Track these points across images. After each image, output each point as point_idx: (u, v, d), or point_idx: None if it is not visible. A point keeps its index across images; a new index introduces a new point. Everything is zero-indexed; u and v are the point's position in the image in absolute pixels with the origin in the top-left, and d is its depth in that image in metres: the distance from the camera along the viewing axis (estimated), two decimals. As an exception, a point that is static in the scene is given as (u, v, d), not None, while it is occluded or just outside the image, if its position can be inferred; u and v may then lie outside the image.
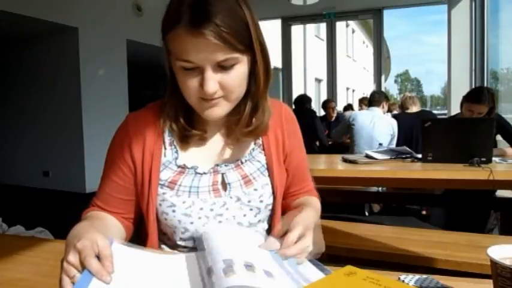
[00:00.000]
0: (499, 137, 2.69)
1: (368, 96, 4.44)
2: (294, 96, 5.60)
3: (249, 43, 0.70)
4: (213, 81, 0.69)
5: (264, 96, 0.81)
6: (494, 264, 0.51)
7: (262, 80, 0.77)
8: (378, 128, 3.57)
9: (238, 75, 0.71)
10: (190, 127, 0.80)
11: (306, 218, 0.71)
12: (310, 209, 0.78)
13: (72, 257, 0.58)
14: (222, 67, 0.69)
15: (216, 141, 0.85)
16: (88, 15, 5.14)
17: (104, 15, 5.37)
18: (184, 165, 0.80)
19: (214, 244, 0.63)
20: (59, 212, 4.51)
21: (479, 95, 2.54)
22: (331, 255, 1.69)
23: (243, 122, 0.80)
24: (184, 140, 0.81)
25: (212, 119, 0.76)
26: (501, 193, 2.59)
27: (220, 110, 0.74)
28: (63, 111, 5.35)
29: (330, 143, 4.93)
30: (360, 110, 5.55)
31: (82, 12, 5.06)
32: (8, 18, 4.47)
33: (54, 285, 0.63)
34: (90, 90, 5.25)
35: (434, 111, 9.49)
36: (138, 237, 0.87)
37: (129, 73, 5.94)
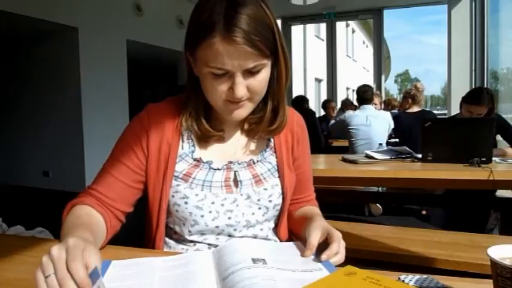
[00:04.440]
0: (498, 137, 2.69)
1: (347, 97, 4.28)
2: (294, 96, 5.59)
3: (273, 48, 0.74)
4: (242, 85, 0.73)
5: (284, 96, 0.85)
6: (494, 264, 0.51)
7: (284, 83, 0.82)
8: (374, 128, 3.54)
9: (263, 79, 0.76)
10: (210, 127, 0.83)
11: (327, 226, 0.76)
12: (321, 217, 0.83)
13: (57, 252, 0.52)
14: (250, 72, 0.73)
15: (232, 140, 0.88)
16: (88, 15, 5.13)
17: (104, 15, 5.37)
18: (200, 158, 0.83)
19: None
20: (59, 212, 4.49)
21: (479, 96, 2.54)
22: (331, 255, 1.69)
23: (265, 121, 0.85)
24: (203, 139, 0.85)
25: (237, 120, 0.81)
26: (501, 193, 2.59)
27: (244, 111, 0.79)
28: (63, 110, 5.34)
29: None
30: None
31: (82, 12, 5.06)
32: (8, 18, 4.46)
33: (54, 285, 0.63)
34: (90, 90, 5.25)
35: (434, 111, 9.48)
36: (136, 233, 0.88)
37: (129, 73, 5.93)
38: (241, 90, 0.72)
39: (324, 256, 0.68)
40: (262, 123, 0.85)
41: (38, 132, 5.64)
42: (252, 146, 0.89)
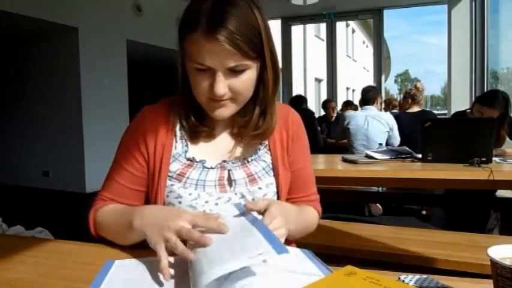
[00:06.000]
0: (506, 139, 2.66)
1: (353, 98, 4.32)
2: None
3: (260, 51, 0.74)
4: (223, 84, 0.73)
5: (272, 101, 0.85)
6: (494, 264, 0.51)
7: (271, 86, 0.81)
8: (372, 129, 3.52)
9: (247, 80, 0.75)
10: (199, 124, 0.84)
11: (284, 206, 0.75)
12: (294, 206, 0.83)
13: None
14: (233, 71, 0.72)
15: (225, 139, 0.88)
16: (88, 15, 5.14)
17: (104, 15, 5.37)
18: (193, 158, 0.84)
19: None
20: (59, 212, 4.51)
21: (493, 99, 2.50)
22: (331, 255, 1.69)
23: (251, 125, 0.84)
24: (194, 135, 0.85)
25: (219, 119, 0.81)
26: (501, 193, 2.59)
27: (227, 110, 0.78)
28: (63, 110, 5.35)
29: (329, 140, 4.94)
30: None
31: (82, 12, 5.06)
32: (8, 18, 4.47)
33: (53, 285, 0.63)
34: (90, 90, 5.25)
35: (434, 111, 9.49)
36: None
37: (129, 73, 5.94)
38: (221, 89, 0.72)
39: (266, 219, 0.67)
40: (248, 127, 0.84)
41: (38, 132, 5.64)
42: (246, 145, 0.88)
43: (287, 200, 0.91)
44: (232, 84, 0.74)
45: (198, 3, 0.71)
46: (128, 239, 0.75)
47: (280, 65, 0.87)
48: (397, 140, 3.55)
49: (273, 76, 0.80)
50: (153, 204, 0.81)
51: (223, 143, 0.88)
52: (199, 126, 0.84)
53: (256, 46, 0.72)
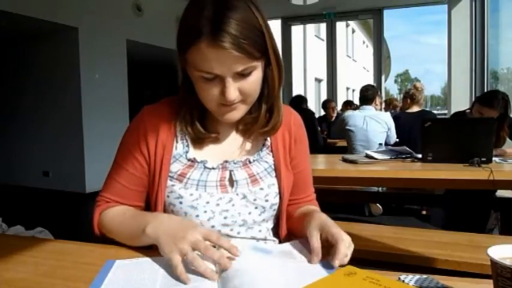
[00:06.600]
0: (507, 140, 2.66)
1: (352, 98, 4.29)
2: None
3: (264, 50, 0.73)
4: (233, 88, 0.73)
5: (278, 97, 0.85)
6: (494, 264, 0.51)
7: (276, 83, 0.81)
8: (371, 129, 3.51)
9: (255, 81, 0.75)
10: (204, 128, 0.84)
11: (323, 224, 0.73)
12: (319, 214, 0.81)
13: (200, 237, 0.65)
14: (241, 75, 0.72)
15: (227, 139, 0.88)
16: (88, 15, 5.14)
17: (104, 15, 5.37)
18: (194, 158, 0.83)
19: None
20: (59, 212, 4.51)
21: (492, 99, 2.51)
22: (331, 255, 1.68)
23: (260, 123, 0.85)
24: (198, 141, 0.85)
25: (230, 122, 0.81)
26: (501, 193, 2.59)
27: (238, 113, 0.79)
28: (63, 110, 5.35)
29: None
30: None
31: (82, 12, 5.06)
32: (8, 18, 4.47)
33: (53, 285, 0.63)
34: (90, 90, 5.25)
35: (434, 111, 9.49)
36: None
37: (129, 73, 5.94)
38: (232, 94, 0.72)
39: (336, 262, 0.65)
40: (257, 124, 0.85)
41: (38, 132, 5.64)
42: (248, 145, 0.88)
43: (288, 201, 0.91)
44: (241, 87, 0.74)
45: (197, 10, 0.69)
46: (136, 241, 0.75)
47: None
48: (393, 139, 3.56)
49: (278, 72, 0.80)
50: (168, 214, 0.81)
51: (225, 144, 0.87)
52: (205, 133, 0.83)
53: (260, 46, 0.72)
